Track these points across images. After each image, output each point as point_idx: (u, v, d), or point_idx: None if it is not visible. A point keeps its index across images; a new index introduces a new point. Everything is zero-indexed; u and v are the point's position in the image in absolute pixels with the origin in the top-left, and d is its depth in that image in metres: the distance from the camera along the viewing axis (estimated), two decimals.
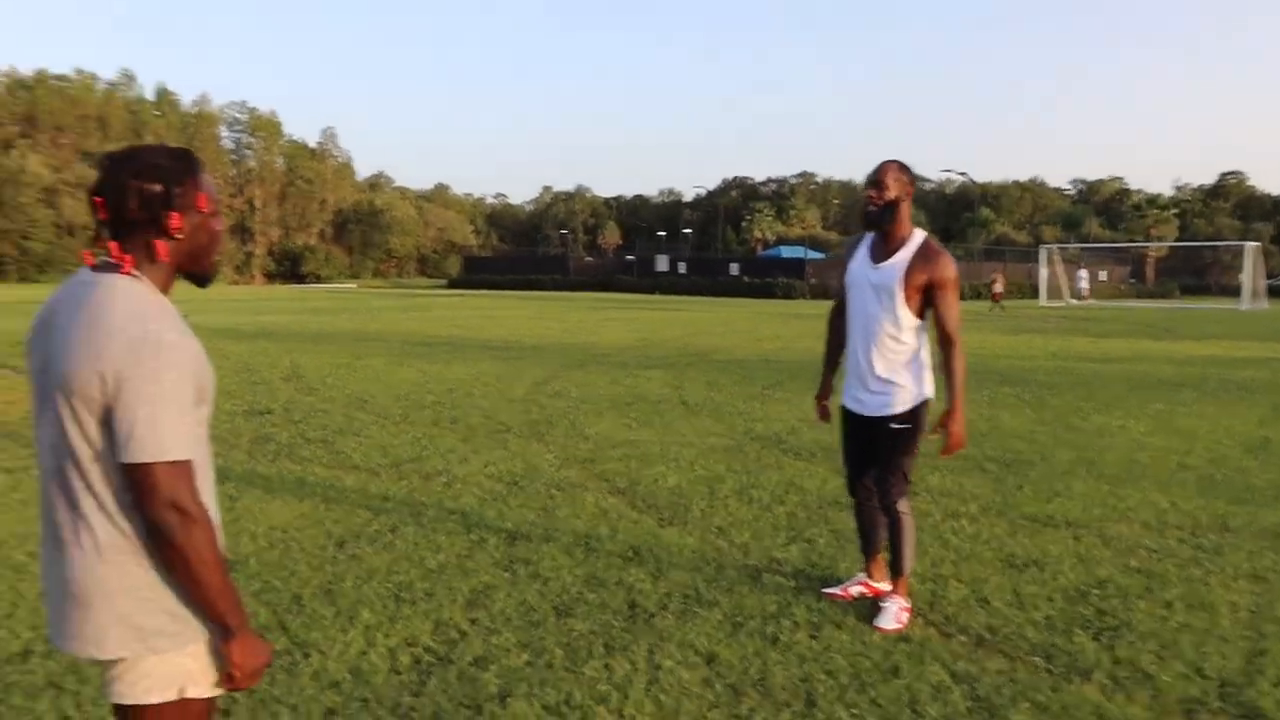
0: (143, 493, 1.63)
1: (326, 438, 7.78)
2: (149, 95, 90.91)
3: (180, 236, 1.77)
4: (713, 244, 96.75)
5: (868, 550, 4.25)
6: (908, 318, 3.83)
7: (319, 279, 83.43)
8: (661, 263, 58.55)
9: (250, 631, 1.76)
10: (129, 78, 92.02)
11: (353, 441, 7.63)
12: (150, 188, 1.71)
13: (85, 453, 1.67)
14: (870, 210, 3.87)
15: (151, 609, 1.71)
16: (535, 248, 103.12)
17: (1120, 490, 6.16)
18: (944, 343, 3.85)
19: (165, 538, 1.64)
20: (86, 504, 1.69)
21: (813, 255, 55.61)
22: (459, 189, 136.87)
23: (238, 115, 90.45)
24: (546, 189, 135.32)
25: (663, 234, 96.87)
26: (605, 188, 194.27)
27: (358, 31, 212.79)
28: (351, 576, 4.40)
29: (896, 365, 3.88)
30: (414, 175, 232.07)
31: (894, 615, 3.87)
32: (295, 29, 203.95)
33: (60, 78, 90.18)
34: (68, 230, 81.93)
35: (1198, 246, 66.91)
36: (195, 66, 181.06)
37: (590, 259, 73.37)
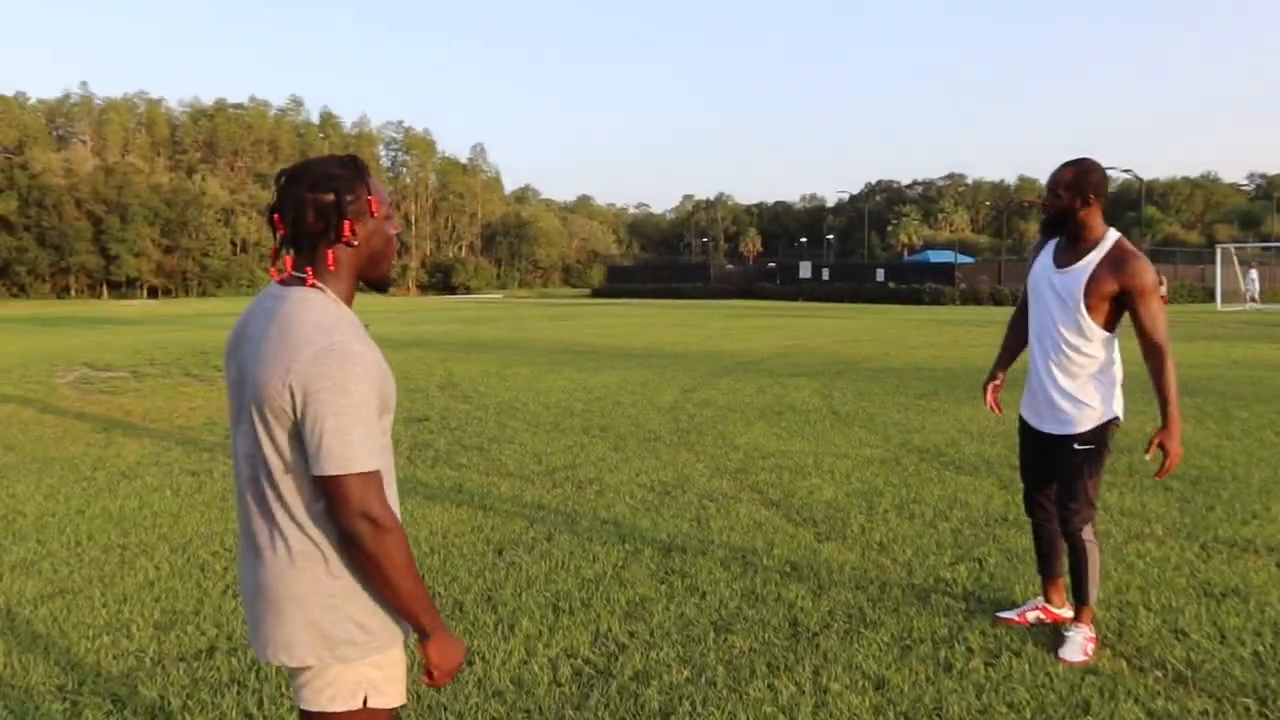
0: (335, 504, 1.65)
1: (482, 444, 7.96)
2: (314, 119, 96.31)
3: (356, 243, 1.78)
4: (857, 249, 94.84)
5: (1046, 573, 3.97)
6: (1093, 329, 3.54)
7: (468, 290, 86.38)
8: (804, 269, 57.76)
9: (446, 631, 1.77)
10: (297, 103, 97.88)
11: (507, 449, 7.77)
12: (324, 198, 1.73)
13: (277, 464, 1.70)
14: (1043, 217, 3.67)
15: (339, 618, 1.73)
16: (677, 256, 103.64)
17: None
18: (1149, 353, 3.50)
19: (359, 547, 1.66)
20: (279, 513, 1.72)
21: (962, 260, 53.67)
22: (601, 200, 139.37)
23: (394, 135, 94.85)
24: (688, 197, 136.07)
25: (804, 240, 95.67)
26: (746, 195, 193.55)
27: (506, 50, 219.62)
28: (510, 584, 4.44)
29: (1081, 379, 3.60)
30: (559, 187, 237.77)
31: (1080, 646, 3.60)
32: (448, 50, 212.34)
33: (237, 106, 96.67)
34: (241, 247, 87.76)
35: None
36: (356, 88, 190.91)
37: (731, 266, 73.10)
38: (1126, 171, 53.34)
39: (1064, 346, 3.59)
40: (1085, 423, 3.57)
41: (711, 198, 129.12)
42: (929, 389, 11.55)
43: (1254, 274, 42.73)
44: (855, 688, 3.34)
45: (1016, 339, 4.06)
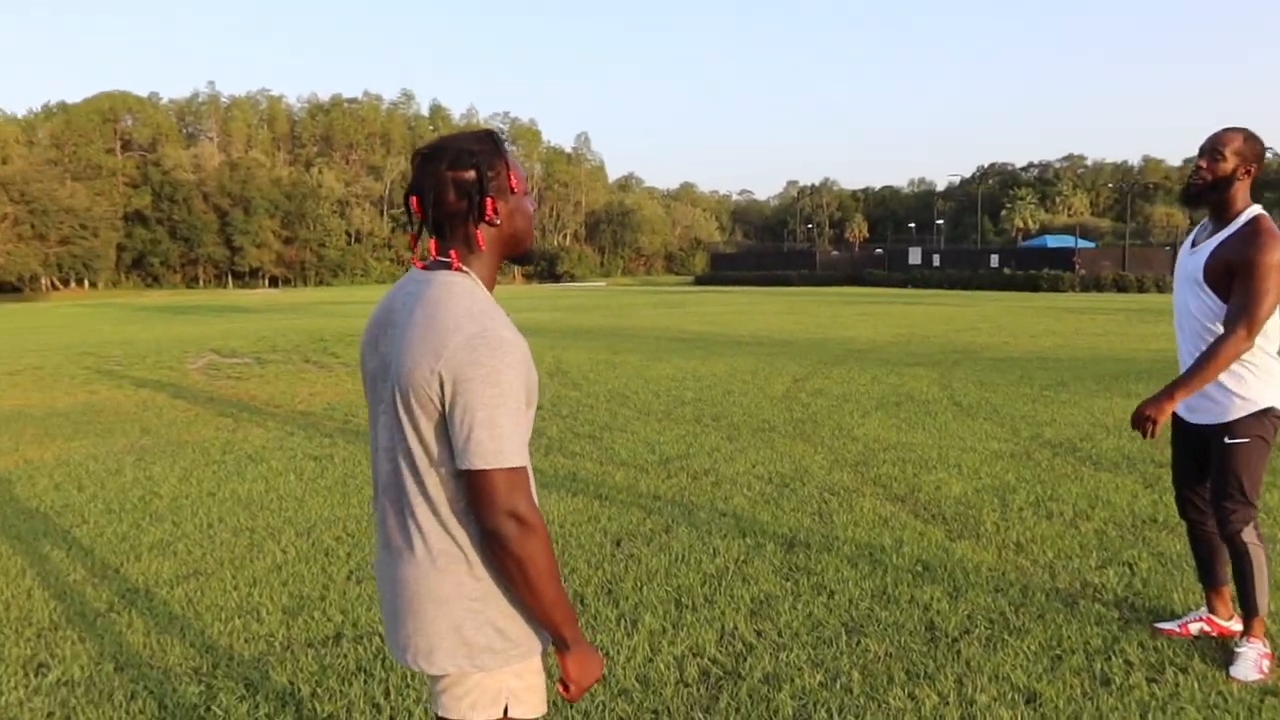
0: (480, 500, 1.55)
1: (594, 433, 7.91)
2: (424, 111, 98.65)
3: (499, 222, 1.68)
4: (969, 235, 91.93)
5: (1208, 581, 3.64)
6: (1222, 308, 3.22)
7: (572, 278, 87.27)
8: (914, 255, 56.30)
9: (585, 644, 1.67)
10: (408, 97, 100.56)
11: (619, 437, 7.70)
12: (465, 175, 1.63)
13: (421, 457, 1.61)
14: (1193, 183, 3.26)
15: (480, 623, 1.64)
16: (781, 243, 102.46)
17: None
18: (1225, 324, 3.18)
19: (503, 547, 1.55)
20: (420, 510, 1.63)
21: (1083, 244, 51.42)
22: (704, 187, 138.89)
23: (501, 125, 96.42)
24: (792, 183, 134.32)
25: (913, 226, 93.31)
26: (852, 180, 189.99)
27: (609, 39, 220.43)
28: (631, 577, 4.34)
29: (1233, 366, 3.25)
30: (661, 175, 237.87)
31: (1253, 663, 3.28)
32: (551, 41, 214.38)
33: (352, 100, 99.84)
34: (355, 238, 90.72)
35: None
36: (464, 82, 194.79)
37: (836, 253, 71.86)
38: (1269, 149, 50.20)
39: (1203, 332, 3.28)
40: (1236, 411, 3.25)
41: (816, 183, 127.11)
42: (1056, 379, 11.01)
43: None
44: (1004, 700, 3.12)
45: None
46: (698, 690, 3.24)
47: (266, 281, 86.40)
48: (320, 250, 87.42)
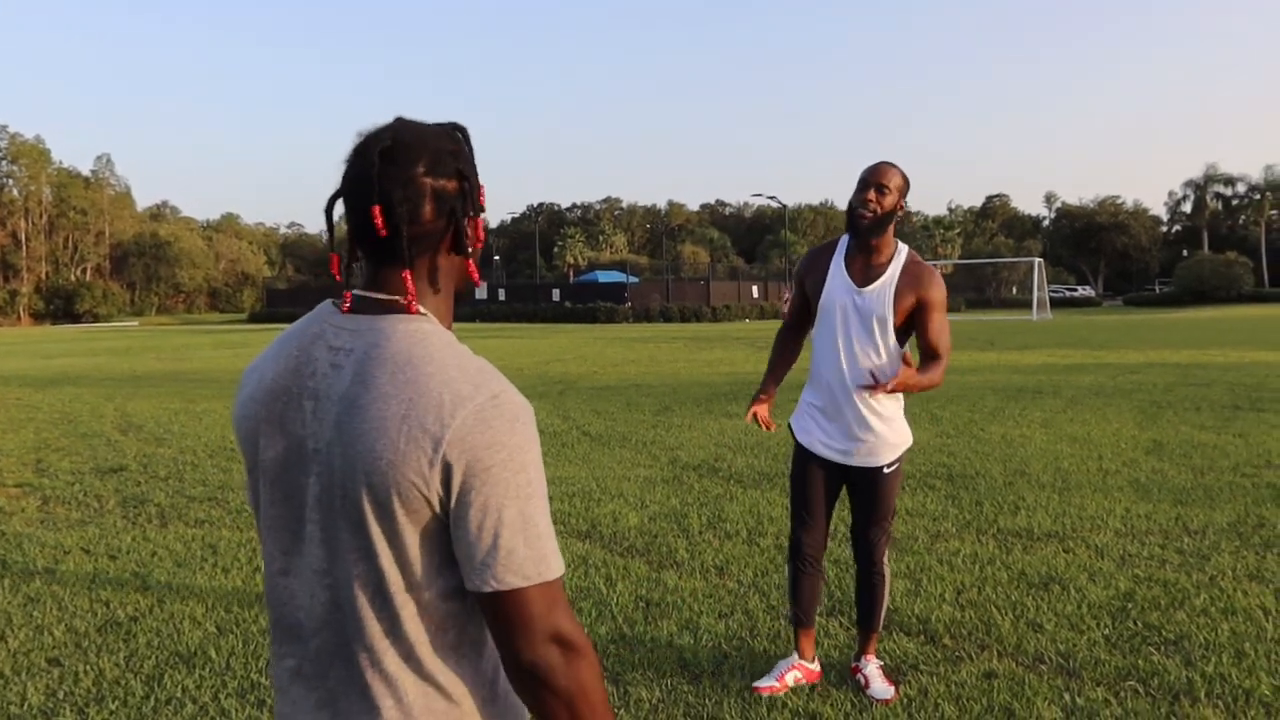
0: (514, 628, 1.12)
1: (213, 494, 6.83)
2: None
3: (472, 251, 1.26)
4: (523, 270, 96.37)
5: (806, 622, 3.48)
6: (895, 345, 3.27)
7: (95, 318, 76.57)
8: (480, 291, 57.51)
9: None
10: None
11: (243, 495, 6.72)
12: (446, 185, 1.20)
13: (394, 581, 1.15)
14: (865, 216, 3.19)
15: None
16: (339, 280, 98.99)
17: (1070, 499, 6.27)
18: (928, 357, 3.29)
19: (546, 683, 1.13)
20: (390, 655, 1.17)
21: (631, 279, 56.24)
22: (249, 218, 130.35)
23: None
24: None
25: None
26: None
27: (128, 54, 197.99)
28: None
29: (887, 403, 3.31)
30: (200, 205, 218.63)
31: (884, 678, 3.43)
32: (60, 51, 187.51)
33: None
34: None
35: (982, 263, 72.49)
36: None
37: None
38: (772, 198, 58.81)
39: (877, 367, 3.26)
40: (896, 446, 3.33)
41: None
42: (660, 405, 11.74)
43: None
44: None
45: (789, 355, 3.65)
46: None
47: None
48: None
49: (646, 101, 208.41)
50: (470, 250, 1.26)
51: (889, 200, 3.22)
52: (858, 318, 3.28)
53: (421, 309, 1.22)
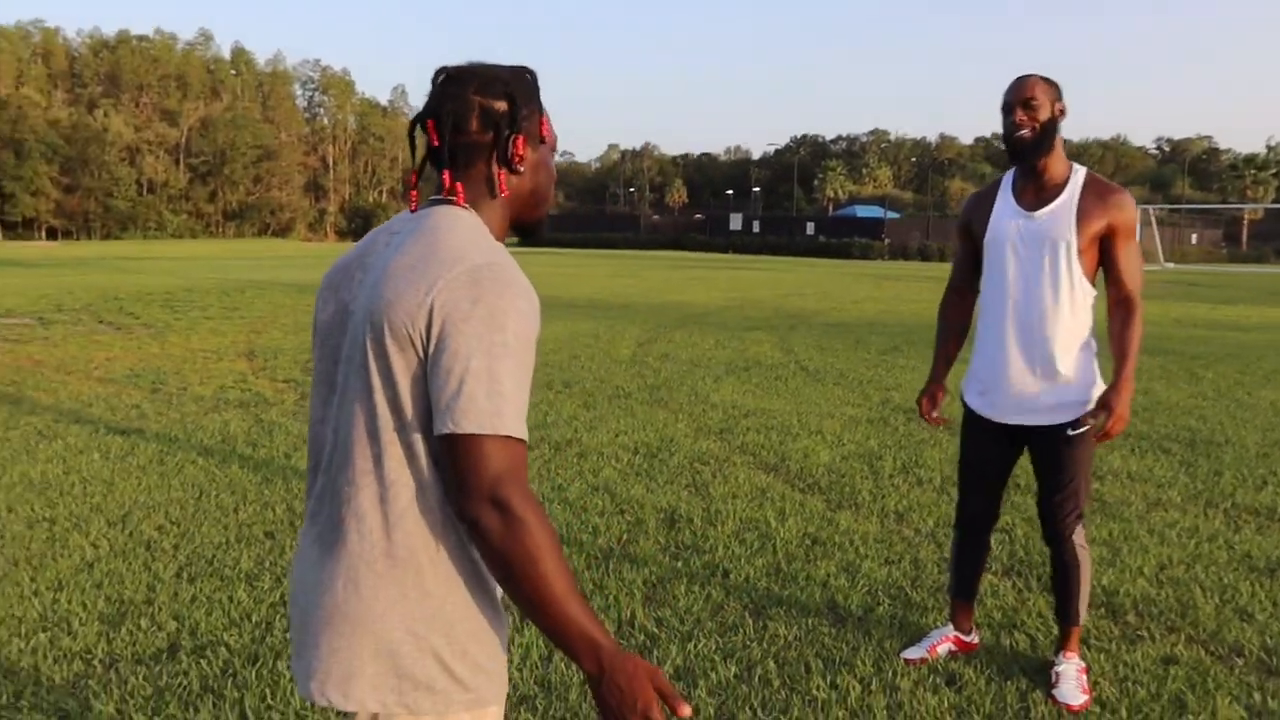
0: (462, 476, 1.18)
1: None
2: (225, 54, 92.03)
3: (523, 169, 1.37)
4: (781, 203, 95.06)
5: (964, 594, 3.21)
6: (1084, 283, 2.84)
7: None
8: (734, 221, 57.60)
9: (623, 656, 1.20)
10: (206, 37, 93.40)
11: None
12: (495, 104, 1.33)
13: (385, 419, 1.25)
14: (1021, 136, 2.81)
15: (422, 652, 1.27)
16: (602, 206, 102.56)
17: None
18: (1120, 305, 2.84)
19: (483, 541, 1.19)
20: (367, 492, 1.26)
21: (891, 215, 54.14)
22: None
23: (310, 74, 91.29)
24: (613, 146, 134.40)
25: (730, 193, 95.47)
26: (671, 146, 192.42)
27: None
28: None
29: (1073, 350, 2.86)
30: None
31: (1079, 683, 2.97)
32: None
33: (141, 38, 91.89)
34: (148, 188, 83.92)
35: None
36: (269, 24, 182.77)
37: (658, 218, 72.59)
38: None
39: (1056, 312, 2.85)
40: (1082, 403, 2.88)
41: (637, 148, 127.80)
42: (890, 344, 11.32)
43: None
44: (927, 684, 2.98)
45: (959, 323, 3.22)
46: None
47: (44, 233, 78.48)
48: (107, 200, 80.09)
49: (919, 20, 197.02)
50: (516, 169, 1.36)
51: (1043, 113, 2.81)
52: (1031, 247, 2.86)
53: (466, 205, 1.34)
